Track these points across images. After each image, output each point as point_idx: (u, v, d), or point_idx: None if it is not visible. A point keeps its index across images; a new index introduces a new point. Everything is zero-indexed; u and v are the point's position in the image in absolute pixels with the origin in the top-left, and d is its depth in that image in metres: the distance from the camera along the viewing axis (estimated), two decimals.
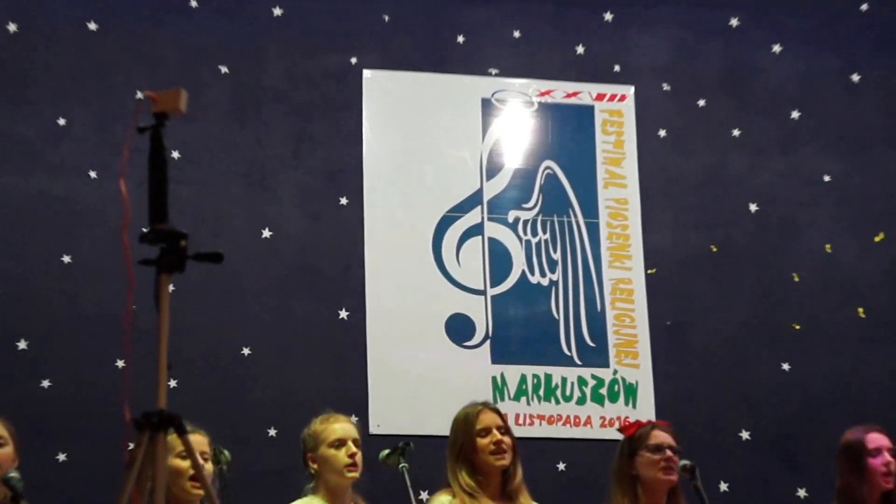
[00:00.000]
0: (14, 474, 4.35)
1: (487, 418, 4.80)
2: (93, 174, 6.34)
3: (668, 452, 4.71)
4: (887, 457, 4.95)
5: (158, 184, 3.07)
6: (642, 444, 4.77)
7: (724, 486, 6.46)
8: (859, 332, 6.99)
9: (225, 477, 4.60)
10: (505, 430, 4.80)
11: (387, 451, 4.75)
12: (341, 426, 4.80)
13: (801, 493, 6.54)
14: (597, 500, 6.16)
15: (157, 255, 3.03)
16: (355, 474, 4.72)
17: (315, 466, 4.77)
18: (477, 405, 4.90)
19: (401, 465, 4.60)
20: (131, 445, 3.02)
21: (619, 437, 5.92)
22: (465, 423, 4.83)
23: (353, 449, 4.73)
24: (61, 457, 5.97)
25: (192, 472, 4.44)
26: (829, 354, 6.92)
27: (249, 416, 6.16)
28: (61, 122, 6.41)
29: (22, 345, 6.10)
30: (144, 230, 3.03)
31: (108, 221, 5.91)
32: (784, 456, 6.70)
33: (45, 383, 6.07)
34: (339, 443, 4.72)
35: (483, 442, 4.73)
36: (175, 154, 6.10)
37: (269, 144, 6.73)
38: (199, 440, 4.51)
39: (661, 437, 4.78)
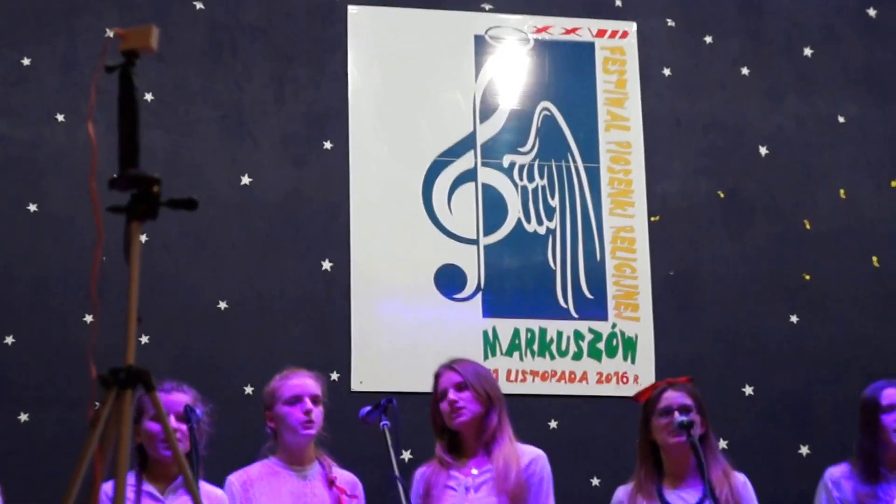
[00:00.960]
0: None
1: (443, 380, 4.97)
2: (60, 118, 6.34)
3: (676, 413, 4.85)
4: None
5: (129, 126, 3.08)
6: (654, 409, 4.94)
7: (723, 444, 6.23)
8: (874, 283, 7.03)
9: (198, 437, 4.63)
10: (464, 386, 4.91)
11: (367, 409, 4.78)
12: (297, 382, 4.89)
13: (804, 450, 6.58)
14: (591, 461, 6.30)
15: (127, 201, 3.03)
16: (311, 432, 4.83)
17: (272, 426, 4.91)
18: (442, 365, 5.06)
19: (382, 424, 4.64)
20: (98, 405, 3.02)
21: (617, 393, 6.05)
22: (434, 386, 5.03)
23: (310, 406, 4.82)
24: (23, 417, 6.00)
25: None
26: (840, 307, 6.95)
27: (225, 373, 6.19)
28: (25, 62, 6.39)
29: None
30: (114, 176, 3.03)
31: (77, 168, 5.96)
32: (788, 412, 6.73)
33: (9, 340, 6.10)
34: (295, 399, 4.82)
35: (443, 405, 4.91)
36: (148, 97, 6.24)
37: (248, 87, 6.71)
38: (181, 398, 4.67)
39: (669, 398, 4.92)
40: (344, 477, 4.95)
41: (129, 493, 3.26)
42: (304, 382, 4.89)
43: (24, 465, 5.40)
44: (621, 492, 5.04)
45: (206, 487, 4.64)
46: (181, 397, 4.67)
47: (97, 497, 3.11)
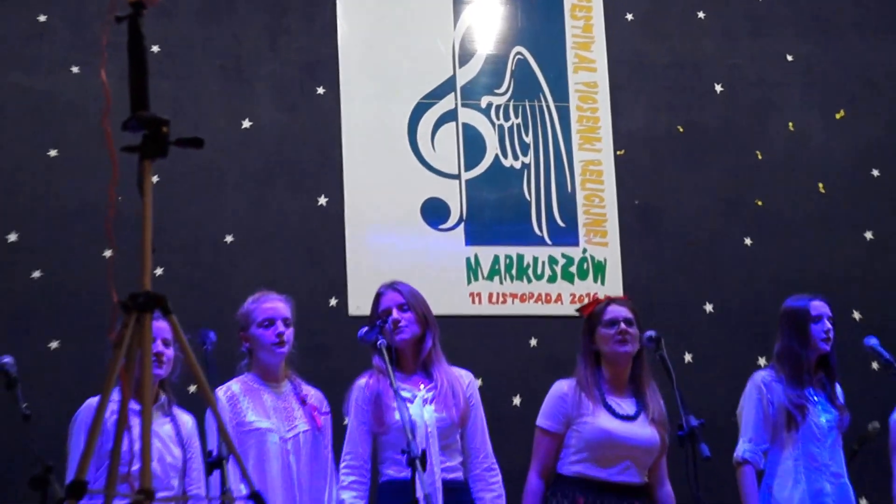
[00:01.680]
0: (8, 360, 4.56)
1: (385, 299, 4.90)
2: (75, 69, 6.32)
3: (623, 325, 4.80)
4: (827, 324, 5.10)
5: (138, 72, 3.06)
6: (599, 321, 4.86)
7: (688, 357, 6.55)
8: (820, 207, 7.06)
9: (209, 360, 4.56)
10: (406, 307, 4.85)
11: (364, 329, 4.68)
12: (270, 305, 4.83)
13: (762, 361, 6.46)
14: (568, 373, 6.24)
15: (139, 142, 3.01)
16: (283, 350, 4.79)
17: (247, 345, 4.84)
18: (382, 285, 4.98)
19: (379, 343, 4.54)
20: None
21: None
22: (372, 306, 4.95)
23: (281, 328, 4.78)
24: (54, 344, 6.00)
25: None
26: (790, 229, 6.98)
27: (232, 301, 5.83)
28: (41, 18, 6.37)
29: (12, 237, 6.15)
30: (127, 118, 3.01)
31: (91, 115, 5.88)
32: (746, 327, 6.72)
33: (36, 274, 6.11)
34: (268, 322, 4.77)
35: (386, 324, 4.80)
36: (154, 48, 6.06)
37: (246, 38, 6.72)
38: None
39: (614, 311, 4.86)
40: (314, 394, 4.93)
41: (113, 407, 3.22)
42: (276, 306, 4.85)
43: (56, 388, 5.37)
44: (564, 385, 4.92)
45: (176, 410, 4.73)
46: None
47: (126, 412, 3.09)
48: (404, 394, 4.72)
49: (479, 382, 5.12)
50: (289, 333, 4.83)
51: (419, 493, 4.43)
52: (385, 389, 4.75)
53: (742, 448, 5.07)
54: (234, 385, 4.79)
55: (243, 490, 4.72)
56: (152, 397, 4.57)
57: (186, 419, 4.81)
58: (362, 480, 4.70)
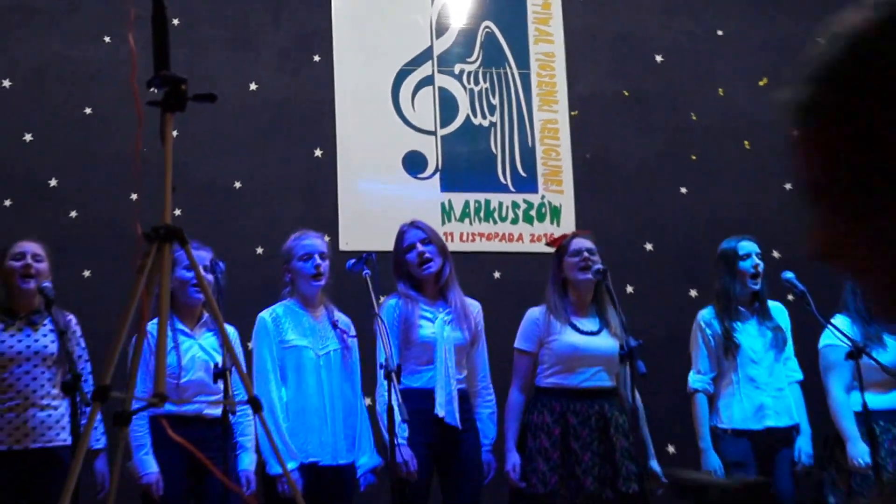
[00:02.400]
0: (48, 284, 4.65)
1: (409, 235, 4.96)
2: (107, 39, 6.33)
3: (585, 254, 4.90)
4: (756, 260, 5.19)
5: (161, 38, 3.15)
6: (566, 252, 4.97)
7: (630, 289, 6.60)
8: (745, 162, 7.08)
9: (221, 286, 4.66)
10: (428, 241, 4.93)
11: (352, 261, 4.72)
12: (309, 242, 4.88)
13: (693, 293, 6.64)
14: (527, 303, 6.25)
15: (161, 97, 3.11)
16: (321, 282, 4.85)
17: (289, 276, 4.91)
18: (404, 224, 5.04)
19: (364, 273, 4.57)
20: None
21: (546, 250, 6.08)
22: (397, 242, 5.01)
23: (318, 261, 4.83)
24: (86, 273, 6.10)
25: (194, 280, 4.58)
26: (719, 180, 7.01)
27: (241, 237, 6.22)
28: None
29: (53, 182, 6.20)
30: (151, 77, 3.11)
31: (121, 78, 5.73)
32: (679, 263, 6.78)
33: (73, 213, 6.18)
34: (307, 256, 4.83)
35: (410, 256, 4.91)
36: (175, 21, 6.08)
37: (252, 13, 6.71)
38: (203, 255, 4.61)
39: (578, 243, 4.96)
40: (343, 320, 4.98)
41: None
42: (314, 242, 4.90)
43: (87, 310, 5.28)
44: (536, 311, 5.02)
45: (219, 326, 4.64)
46: (206, 254, 4.69)
47: (143, 332, 3.24)
48: (427, 314, 4.88)
49: None
50: (324, 266, 4.87)
51: (438, 396, 4.71)
52: (411, 310, 4.87)
53: (692, 379, 5.17)
54: (279, 308, 4.85)
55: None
56: (195, 318, 4.86)
57: (230, 330, 4.74)
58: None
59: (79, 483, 3.38)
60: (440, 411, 4.68)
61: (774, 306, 5.30)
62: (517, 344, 4.99)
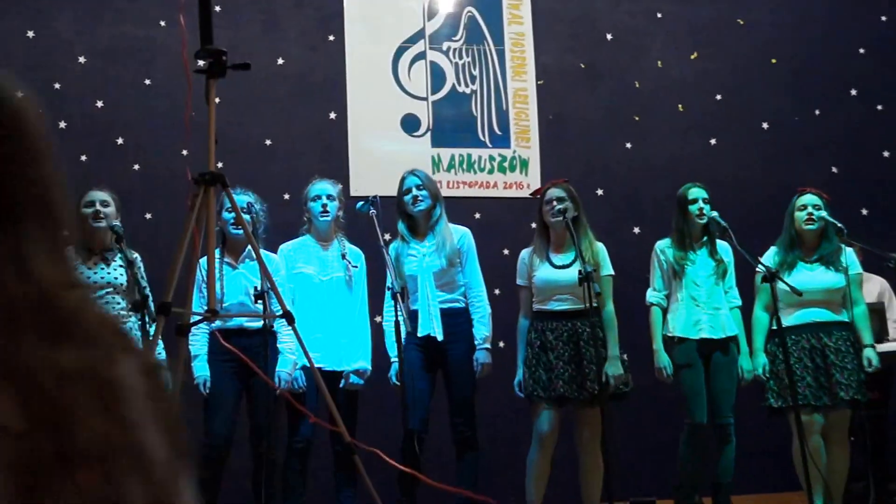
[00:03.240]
0: (117, 223, 4.70)
1: (408, 181, 4.96)
2: (162, 23, 6.34)
3: (554, 202, 4.89)
4: (701, 204, 5.15)
5: (206, 18, 3.19)
6: (543, 201, 4.98)
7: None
8: (679, 121, 7.13)
9: (257, 223, 4.71)
10: (423, 186, 4.92)
11: (360, 203, 4.76)
12: (319, 186, 4.92)
13: (636, 230, 6.76)
14: (502, 237, 6.22)
15: (206, 67, 3.16)
16: (327, 219, 4.86)
17: (306, 215, 4.97)
18: (406, 172, 5.04)
19: (371, 212, 4.60)
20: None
21: (517, 194, 6.28)
22: (399, 186, 5.03)
23: (325, 201, 4.86)
24: (148, 215, 6.17)
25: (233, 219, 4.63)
26: (657, 136, 7.06)
27: (271, 185, 6.18)
28: None
29: (120, 141, 6.27)
30: (198, 51, 3.18)
31: (174, 54, 5.25)
32: (625, 205, 6.88)
33: (136, 167, 6.27)
34: (317, 197, 4.88)
35: (406, 197, 4.92)
36: (217, 8, 6.18)
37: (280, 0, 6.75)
38: (243, 198, 4.68)
39: (550, 193, 4.96)
40: (353, 251, 4.96)
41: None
42: (324, 186, 4.92)
43: (149, 245, 5.36)
44: (524, 253, 5.04)
45: (265, 253, 4.55)
46: (245, 197, 4.74)
47: (195, 264, 3.33)
48: (413, 252, 4.84)
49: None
50: (331, 205, 4.86)
51: (421, 318, 4.67)
52: (403, 250, 4.84)
53: (649, 295, 5.19)
54: (296, 242, 4.90)
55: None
56: (238, 252, 4.81)
57: (273, 257, 4.78)
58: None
59: None
60: (422, 331, 4.69)
61: (721, 244, 5.26)
62: (517, 281, 4.99)
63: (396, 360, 4.68)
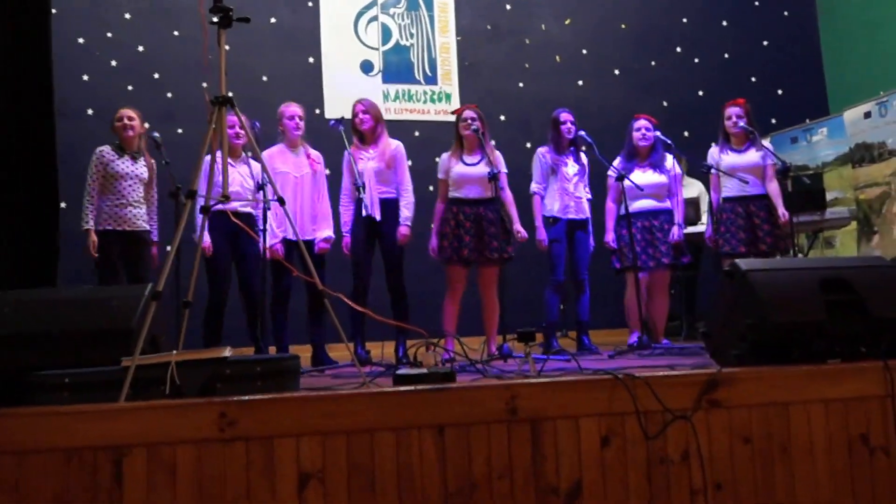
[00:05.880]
0: (157, 134, 4.57)
1: (357, 107, 4.74)
2: None
3: (468, 120, 4.70)
4: (569, 125, 4.95)
5: None
6: (460, 117, 4.78)
7: (492, 142, 6.19)
8: (557, 68, 7.01)
9: (257, 135, 4.32)
10: (366, 110, 4.69)
11: (332, 121, 4.64)
12: (292, 109, 4.67)
13: (528, 144, 6.56)
14: (433, 150, 5.89)
15: (218, 20, 2.99)
16: (298, 133, 4.63)
17: (281, 129, 4.70)
18: (355, 101, 4.78)
19: (340, 128, 4.50)
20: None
21: (444, 118, 6.13)
22: (352, 111, 4.77)
23: (298, 121, 4.63)
24: (179, 130, 6.01)
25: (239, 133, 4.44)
26: (542, 79, 6.90)
27: (265, 109, 5.49)
28: None
29: (156, 76, 6.11)
30: (212, 6, 2.97)
31: (195, 12, 5.57)
32: (521, 126, 6.79)
33: (169, 94, 6.10)
34: (290, 117, 4.64)
35: (356, 120, 4.70)
36: None
37: None
38: (245, 118, 4.44)
39: (466, 113, 4.75)
40: (314, 153, 4.72)
41: (219, 160, 3.11)
42: (295, 110, 4.67)
43: (178, 152, 5.04)
44: (445, 155, 4.78)
45: (251, 160, 4.52)
46: (246, 120, 4.23)
47: (213, 160, 3.22)
48: (364, 156, 4.63)
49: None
50: (302, 124, 4.68)
51: (365, 202, 4.51)
52: (356, 156, 4.63)
53: (532, 186, 4.97)
54: (273, 149, 4.67)
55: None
56: (237, 155, 4.57)
57: (256, 165, 4.52)
58: (350, 199, 4.61)
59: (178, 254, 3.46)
60: (365, 211, 4.53)
61: (582, 155, 5.08)
62: (438, 175, 4.79)
63: (349, 234, 4.62)
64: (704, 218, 5.76)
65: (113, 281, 4.45)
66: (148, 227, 4.63)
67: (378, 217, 4.62)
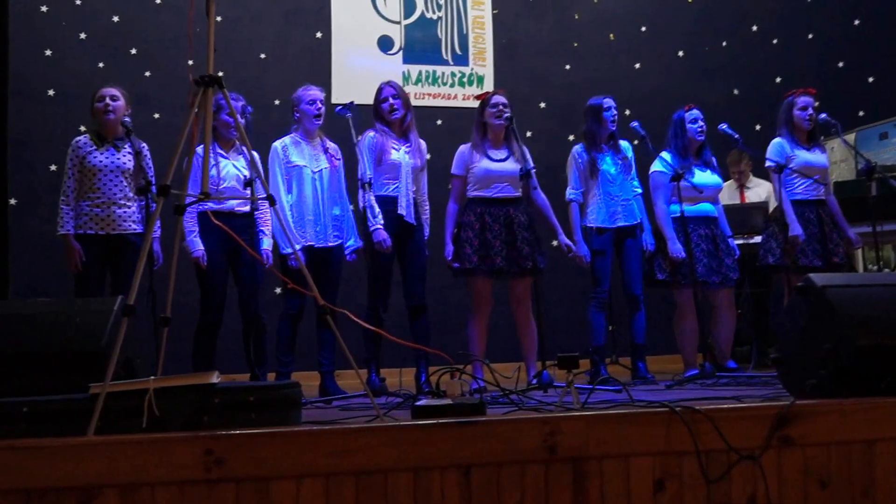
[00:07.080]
0: (127, 119, 4.54)
1: (385, 91, 4.76)
2: None
3: (500, 107, 4.75)
4: (614, 112, 4.98)
5: None
6: (488, 103, 4.81)
7: (529, 133, 6.53)
8: (611, 48, 7.06)
9: (248, 123, 4.49)
10: (398, 96, 4.74)
11: (339, 107, 4.65)
12: (314, 92, 4.73)
13: (571, 137, 6.46)
14: (460, 138, 6.05)
15: None
16: (320, 122, 4.71)
17: (298, 115, 4.74)
18: (383, 82, 4.84)
19: (347, 115, 4.51)
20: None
21: (472, 105, 6.07)
22: (376, 94, 4.81)
23: (319, 106, 4.69)
24: (157, 115, 6.01)
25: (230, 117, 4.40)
26: (592, 60, 7.00)
27: (265, 92, 6.13)
28: None
29: (133, 51, 6.10)
30: None
31: None
32: (562, 116, 6.77)
33: (148, 73, 6.09)
34: (311, 102, 4.69)
35: (384, 105, 4.72)
36: None
37: None
38: (236, 104, 4.38)
39: (496, 98, 4.80)
40: (333, 146, 4.78)
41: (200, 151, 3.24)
42: (317, 94, 4.72)
43: (156, 139, 5.06)
44: (464, 147, 4.84)
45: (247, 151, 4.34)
46: (238, 103, 4.43)
47: (193, 150, 3.27)
48: (395, 146, 4.66)
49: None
50: (323, 110, 4.73)
51: (400, 201, 4.57)
52: (384, 143, 4.63)
53: (568, 193, 4.97)
54: (287, 139, 4.68)
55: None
56: (230, 146, 4.58)
57: (255, 155, 4.70)
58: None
59: (149, 258, 3.37)
60: (402, 211, 4.59)
61: (623, 143, 5.12)
62: (452, 170, 4.82)
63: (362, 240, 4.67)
64: None
65: (94, 295, 4.42)
66: (138, 229, 4.60)
67: (413, 220, 4.69)
